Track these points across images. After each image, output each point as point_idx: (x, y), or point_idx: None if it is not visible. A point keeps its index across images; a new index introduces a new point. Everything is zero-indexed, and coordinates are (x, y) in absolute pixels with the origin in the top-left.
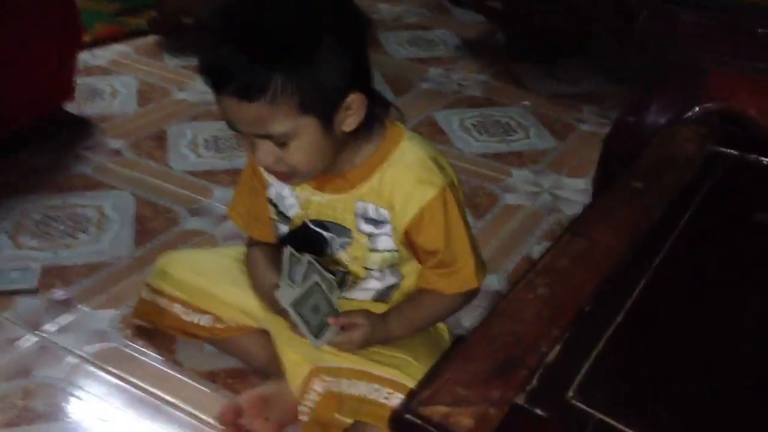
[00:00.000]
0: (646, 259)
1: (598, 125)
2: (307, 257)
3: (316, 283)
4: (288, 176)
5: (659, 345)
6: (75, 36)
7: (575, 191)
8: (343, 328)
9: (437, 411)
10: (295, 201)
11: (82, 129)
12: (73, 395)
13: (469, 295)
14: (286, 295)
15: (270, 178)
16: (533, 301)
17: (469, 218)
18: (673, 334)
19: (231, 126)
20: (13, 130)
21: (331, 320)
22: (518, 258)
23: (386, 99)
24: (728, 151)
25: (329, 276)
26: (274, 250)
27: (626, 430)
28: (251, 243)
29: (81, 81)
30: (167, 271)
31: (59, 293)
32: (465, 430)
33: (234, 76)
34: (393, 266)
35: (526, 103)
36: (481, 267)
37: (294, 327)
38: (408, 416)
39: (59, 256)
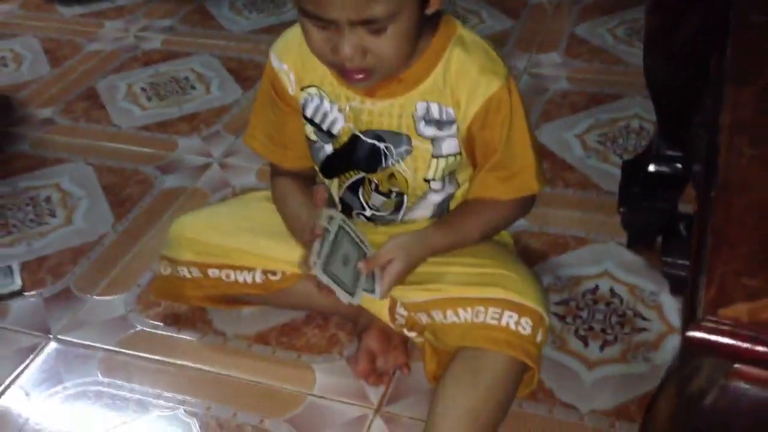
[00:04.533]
0: None
1: None
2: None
3: (341, 228)
4: (365, 76)
5: None
6: None
7: (554, 66)
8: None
9: (739, 309)
10: (340, 114)
11: None
12: (116, 392)
13: (527, 204)
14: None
15: (305, 96)
16: (750, 163)
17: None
18: None
19: (317, 14)
20: None
21: (362, 269)
22: None
23: None
24: None
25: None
26: (302, 181)
27: None
28: (276, 173)
29: None
30: (187, 237)
31: (55, 287)
32: None
33: None
34: (452, 173)
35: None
36: (541, 171)
37: (326, 290)
38: (707, 323)
39: (34, 248)
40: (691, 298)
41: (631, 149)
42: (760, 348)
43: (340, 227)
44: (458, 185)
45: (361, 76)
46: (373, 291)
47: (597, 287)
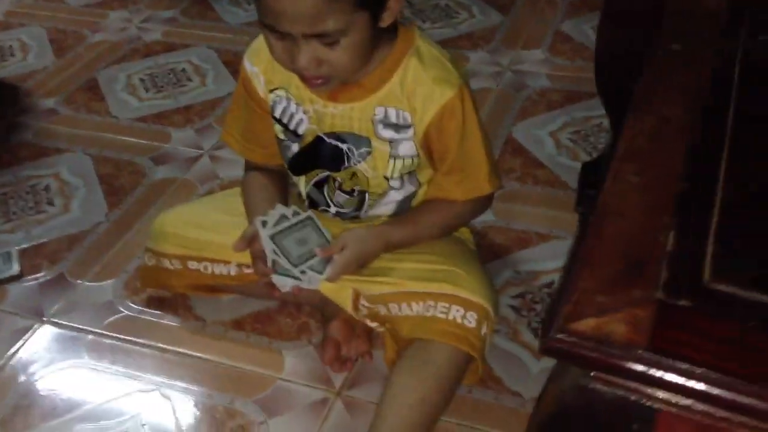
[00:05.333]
0: (720, 123)
1: None
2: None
3: (309, 217)
4: (323, 82)
5: None
6: None
7: (536, 63)
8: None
9: (587, 324)
10: (305, 116)
11: (5, 94)
12: (103, 373)
13: (482, 203)
14: (268, 226)
15: (273, 98)
16: (630, 192)
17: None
18: None
19: (275, 28)
20: None
21: (318, 251)
22: (501, 141)
23: None
24: None
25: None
26: (272, 175)
27: None
28: (249, 167)
29: None
30: (169, 231)
31: (49, 273)
32: (622, 337)
33: None
34: (412, 173)
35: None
36: (494, 173)
37: (264, 264)
38: (559, 335)
39: (33, 234)
40: (549, 312)
41: (602, 147)
42: (597, 356)
43: (308, 217)
44: (419, 184)
45: (319, 81)
46: (322, 272)
47: (553, 282)
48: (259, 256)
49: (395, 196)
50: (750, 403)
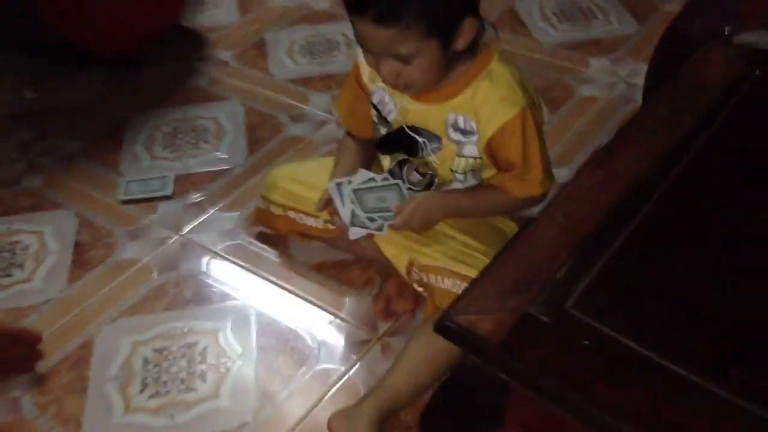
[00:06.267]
0: (659, 183)
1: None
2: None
3: (396, 184)
4: (404, 88)
5: (659, 263)
6: None
7: None
8: None
9: (467, 318)
10: (395, 108)
11: (193, 41)
12: (212, 284)
13: (531, 201)
14: (353, 184)
15: (373, 87)
16: (551, 228)
17: (545, 113)
18: (675, 253)
19: (362, 45)
20: (138, 43)
21: (392, 207)
22: (590, 151)
23: (485, 23)
24: (757, 72)
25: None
26: (363, 144)
27: (614, 334)
28: (348, 135)
29: None
30: (278, 184)
31: (193, 198)
32: (485, 333)
33: (371, 2)
34: (475, 171)
35: None
36: (548, 179)
37: (337, 212)
38: (446, 322)
39: (188, 164)
40: (451, 304)
41: None
42: (463, 341)
43: (396, 183)
44: (481, 180)
45: (399, 88)
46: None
47: None
48: (335, 213)
49: (459, 186)
50: (572, 399)
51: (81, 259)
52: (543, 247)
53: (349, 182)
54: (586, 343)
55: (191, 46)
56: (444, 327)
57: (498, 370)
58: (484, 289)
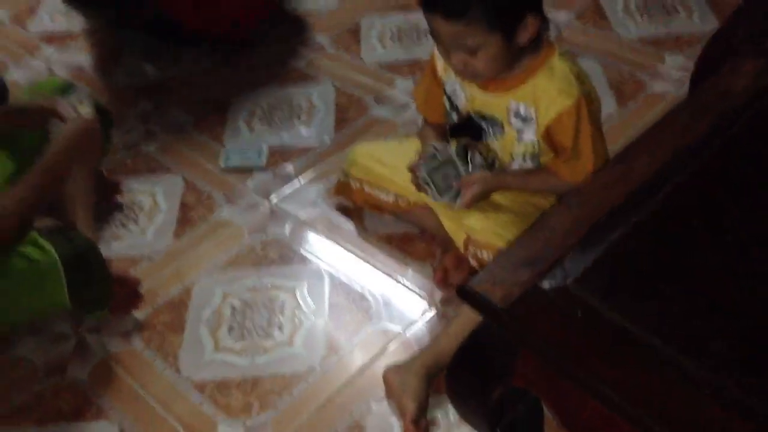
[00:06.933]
0: (669, 179)
1: None
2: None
3: (451, 159)
4: (472, 77)
5: (663, 251)
6: None
7: None
8: None
9: (483, 286)
10: (464, 96)
11: (293, 25)
12: (293, 247)
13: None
14: (427, 162)
15: (446, 78)
16: (566, 215)
17: (612, 105)
18: (681, 243)
19: (434, 38)
20: (245, 26)
21: (455, 183)
22: None
23: (549, 20)
24: None
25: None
26: (438, 129)
27: (611, 314)
28: (425, 122)
29: None
30: (358, 160)
31: (283, 169)
32: (496, 299)
33: (440, 1)
34: (533, 156)
35: None
36: (600, 166)
37: (421, 187)
38: (466, 287)
39: (282, 138)
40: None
41: None
42: (476, 304)
43: (451, 158)
44: (539, 164)
45: (467, 76)
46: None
47: None
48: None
49: (516, 168)
50: (566, 366)
51: (185, 218)
52: (556, 230)
53: (432, 156)
54: (579, 315)
55: (292, 29)
56: (464, 291)
57: (506, 333)
58: (501, 262)
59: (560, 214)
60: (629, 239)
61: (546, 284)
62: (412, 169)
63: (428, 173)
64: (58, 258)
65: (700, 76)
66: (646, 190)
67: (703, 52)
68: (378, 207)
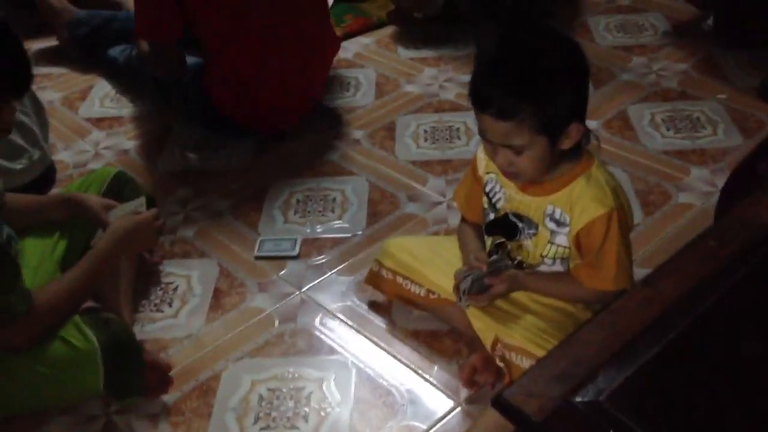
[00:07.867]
0: (698, 305)
1: None
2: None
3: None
4: (514, 176)
5: (690, 376)
6: (336, 45)
7: None
8: None
9: (517, 398)
10: (503, 196)
11: (332, 119)
12: (322, 338)
13: (603, 295)
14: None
15: (487, 178)
16: (597, 333)
17: (639, 214)
18: (705, 370)
19: (482, 135)
20: (286, 120)
21: (486, 280)
22: None
23: (590, 131)
24: None
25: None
26: (477, 229)
27: (636, 428)
28: (463, 220)
29: (332, 73)
30: (392, 252)
31: (315, 260)
32: (529, 412)
33: (493, 102)
34: (563, 259)
35: (722, 96)
36: (622, 278)
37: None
38: (500, 398)
39: (315, 230)
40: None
41: None
42: (512, 415)
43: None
44: (568, 269)
45: (511, 175)
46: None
47: None
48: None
49: (545, 270)
50: None
51: (218, 303)
52: (589, 347)
53: (468, 277)
54: (611, 431)
55: (330, 124)
56: (499, 402)
57: None
58: (535, 375)
59: (592, 332)
60: (661, 359)
61: (579, 399)
62: (457, 280)
63: (469, 288)
64: (98, 346)
65: (726, 202)
66: (675, 312)
67: (730, 178)
68: (408, 299)
